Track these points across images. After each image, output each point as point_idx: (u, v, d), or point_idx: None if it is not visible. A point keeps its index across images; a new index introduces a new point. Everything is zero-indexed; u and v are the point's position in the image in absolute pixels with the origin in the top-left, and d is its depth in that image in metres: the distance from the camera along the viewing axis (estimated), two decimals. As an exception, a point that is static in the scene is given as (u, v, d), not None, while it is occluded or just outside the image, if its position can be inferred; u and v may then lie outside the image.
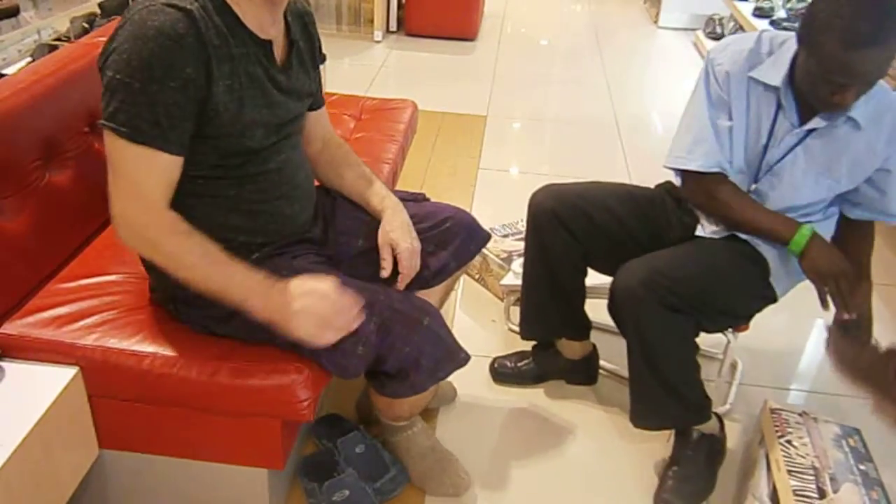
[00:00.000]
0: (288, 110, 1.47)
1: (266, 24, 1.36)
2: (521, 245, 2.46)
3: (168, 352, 1.45)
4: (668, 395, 1.72)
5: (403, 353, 1.43)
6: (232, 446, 1.54)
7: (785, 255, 1.70)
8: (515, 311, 2.35)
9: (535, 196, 1.91)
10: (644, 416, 1.79)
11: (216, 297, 1.32)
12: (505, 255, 2.46)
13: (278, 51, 1.41)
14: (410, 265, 1.58)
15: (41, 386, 1.40)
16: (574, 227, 1.84)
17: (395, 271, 1.58)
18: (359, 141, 2.42)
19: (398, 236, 1.58)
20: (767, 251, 1.71)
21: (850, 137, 1.60)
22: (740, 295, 1.74)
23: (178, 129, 1.27)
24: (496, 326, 2.35)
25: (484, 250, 2.43)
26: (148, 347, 1.45)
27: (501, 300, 2.41)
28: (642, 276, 1.63)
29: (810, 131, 1.62)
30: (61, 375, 1.42)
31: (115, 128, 1.24)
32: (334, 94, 2.79)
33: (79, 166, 1.72)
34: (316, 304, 1.31)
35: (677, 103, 4.58)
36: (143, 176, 1.27)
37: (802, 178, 1.66)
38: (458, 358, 1.52)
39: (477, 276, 2.56)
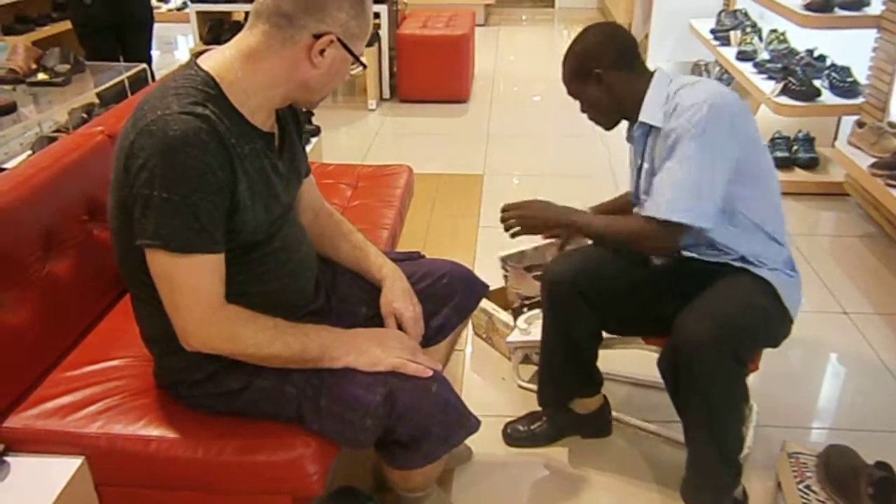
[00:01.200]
0: (290, 195, 1.51)
1: (267, 117, 1.39)
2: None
3: (173, 434, 1.44)
4: (724, 462, 1.69)
5: (413, 422, 1.41)
6: (243, 527, 1.51)
7: (784, 277, 1.72)
8: (524, 369, 2.34)
9: (551, 269, 1.90)
10: (700, 490, 1.74)
11: (293, 364, 1.38)
12: (510, 311, 2.44)
13: (273, 129, 1.44)
14: (416, 332, 1.59)
15: (47, 479, 1.39)
16: (592, 296, 1.83)
17: None
18: (356, 209, 2.45)
19: (401, 305, 1.60)
20: (769, 273, 1.70)
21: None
22: (775, 325, 1.72)
23: (220, 229, 1.29)
24: (506, 384, 2.33)
25: (490, 310, 2.43)
26: (153, 431, 1.44)
27: (509, 359, 2.39)
28: (711, 328, 1.55)
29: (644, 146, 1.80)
30: (67, 466, 1.41)
31: (163, 245, 1.25)
32: (330, 165, 2.84)
33: (79, 255, 1.74)
34: (399, 336, 1.49)
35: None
36: (202, 281, 1.29)
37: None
38: (468, 424, 1.50)
39: (484, 336, 2.55)
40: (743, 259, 1.71)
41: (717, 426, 1.65)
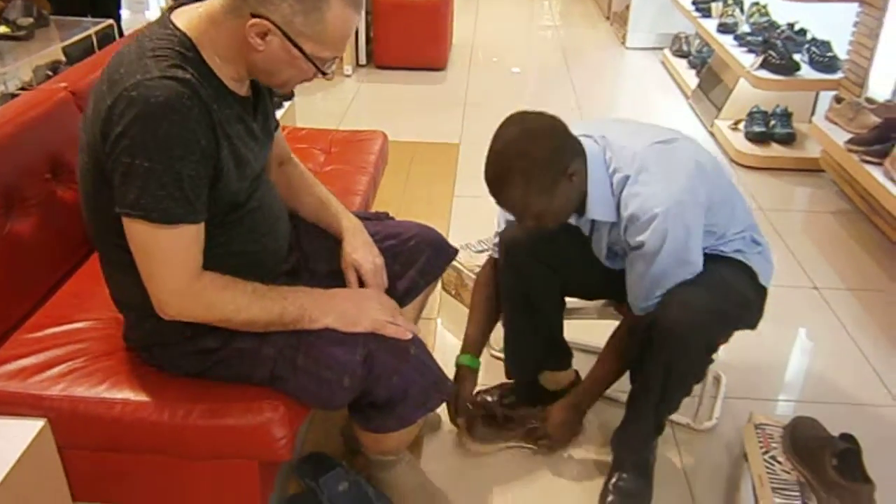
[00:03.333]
0: (264, 156, 1.48)
1: (241, 83, 1.35)
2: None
3: (138, 397, 1.41)
4: (658, 427, 1.75)
5: (391, 383, 1.41)
6: (209, 491, 1.50)
7: (756, 255, 1.72)
8: (494, 336, 2.32)
9: (507, 233, 1.86)
10: (630, 444, 1.78)
11: (273, 328, 1.36)
12: (479, 269, 2.44)
13: (249, 93, 1.40)
14: (377, 283, 1.58)
15: (8, 440, 1.36)
16: (551, 259, 1.82)
17: None
18: (329, 174, 2.41)
19: (360, 256, 1.59)
20: (749, 258, 1.71)
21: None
22: (754, 311, 1.74)
23: (202, 198, 1.26)
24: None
25: (458, 265, 2.45)
26: (117, 394, 1.42)
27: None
28: (694, 321, 1.55)
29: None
30: (28, 429, 1.38)
31: (144, 215, 1.21)
32: (304, 129, 2.79)
33: (42, 214, 1.69)
34: (379, 297, 1.46)
35: (647, 119, 4.61)
36: (181, 251, 1.27)
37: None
38: (445, 388, 1.50)
39: (453, 293, 2.54)
40: (718, 239, 1.70)
41: (667, 401, 1.69)
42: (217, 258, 1.32)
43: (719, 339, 1.67)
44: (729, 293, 1.63)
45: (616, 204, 1.60)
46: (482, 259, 2.50)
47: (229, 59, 1.29)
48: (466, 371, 1.89)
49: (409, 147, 3.79)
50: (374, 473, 1.72)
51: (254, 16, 1.22)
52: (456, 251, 1.78)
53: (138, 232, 1.24)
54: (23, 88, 2.96)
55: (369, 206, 2.39)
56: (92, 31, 3.42)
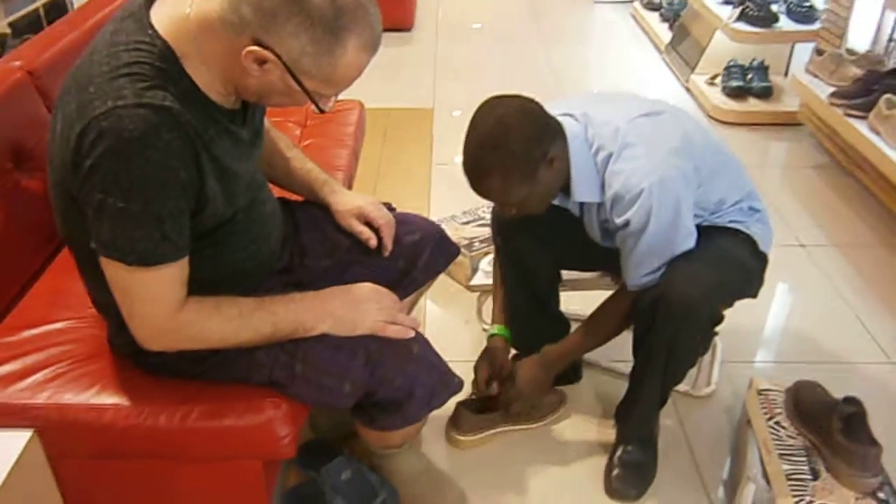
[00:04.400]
0: (256, 158, 1.37)
1: (228, 95, 1.21)
2: (483, 231, 2.42)
3: (130, 401, 1.34)
4: (662, 401, 1.72)
5: (395, 384, 1.35)
6: (212, 494, 1.45)
7: (760, 217, 1.70)
8: (487, 311, 2.28)
9: (497, 208, 1.82)
10: (636, 418, 1.76)
11: (270, 342, 1.28)
12: (466, 241, 2.41)
13: (237, 103, 1.27)
14: (391, 234, 1.55)
15: (-6, 455, 1.28)
16: (544, 232, 1.77)
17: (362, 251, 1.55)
18: (307, 149, 2.31)
19: (365, 203, 1.54)
20: (748, 226, 1.68)
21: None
22: (756, 280, 1.72)
23: (184, 232, 1.16)
24: (470, 328, 2.28)
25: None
26: (107, 399, 1.34)
27: (467, 287, 2.36)
28: (701, 295, 1.51)
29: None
30: (15, 441, 1.30)
31: (119, 257, 1.11)
32: (277, 101, 2.67)
33: (6, 207, 1.59)
34: (377, 296, 1.35)
35: (620, 76, 4.60)
36: (162, 289, 1.17)
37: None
38: (452, 384, 1.45)
39: (443, 269, 2.50)
40: (713, 212, 1.66)
41: (671, 374, 1.66)
42: (202, 271, 1.23)
43: (722, 310, 1.64)
44: (730, 265, 1.60)
45: (601, 183, 1.55)
46: (468, 231, 2.46)
47: (218, 72, 1.15)
48: (499, 339, 1.88)
49: (382, 114, 3.69)
50: (376, 460, 1.68)
51: (255, 42, 1.07)
52: (458, 250, 1.73)
53: (115, 272, 1.15)
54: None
55: (352, 182, 2.31)
56: (39, 3, 3.24)
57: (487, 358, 1.86)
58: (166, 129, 1.07)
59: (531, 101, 1.52)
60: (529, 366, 1.79)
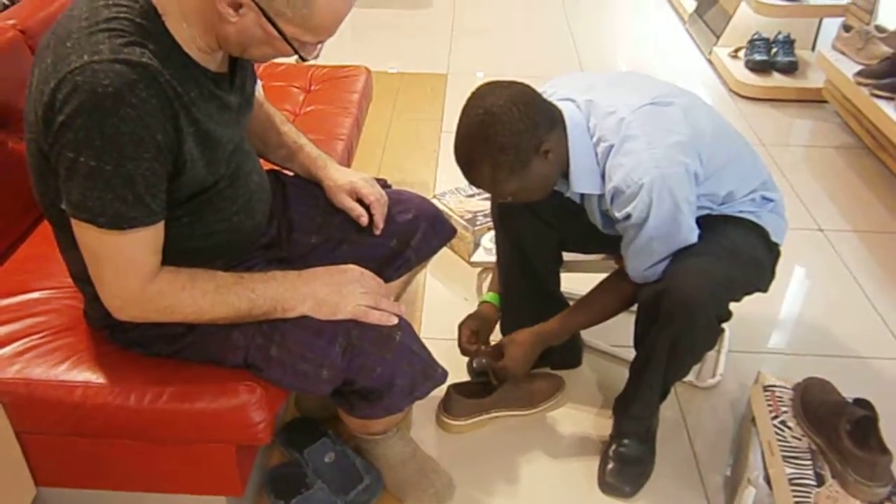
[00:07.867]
0: (243, 125, 1.31)
1: (213, 57, 1.17)
2: (487, 205, 2.33)
3: (101, 379, 1.29)
4: (663, 395, 1.66)
5: (375, 374, 1.29)
6: (184, 476, 1.40)
7: (774, 207, 1.63)
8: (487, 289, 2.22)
9: None
10: (634, 413, 1.69)
11: (242, 321, 1.23)
12: (470, 215, 2.34)
13: (224, 65, 1.22)
14: (382, 214, 1.51)
15: (-42, 429, 1.23)
16: (545, 213, 1.70)
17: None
18: (309, 116, 2.24)
19: (358, 180, 1.50)
20: (760, 216, 1.60)
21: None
22: (767, 275, 1.65)
23: (159, 196, 1.10)
24: (470, 305, 2.20)
25: (448, 211, 2.34)
26: (77, 376, 1.29)
27: (468, 262, 2.29)
28: (708, 293, 1.45)
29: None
30: (-20, 415, 1.26)
31: (90, 219, 1.06)
32: (281, 65, 2.59)
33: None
34: (362, 279, 1.29)
35: (643, 47, 4.46)
36: (135, 255, 1.12)
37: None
38: (435, 375, 1.39)
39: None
40: (723, 203, 1.58)
41: (674, 370, 1.60)
42: (180, 241, 1.18)
43: (729, 305, 1.56)
44: (740, 258, 1.52)
45: (602, 175, 1.48)
46: (473, 204, 2.39)
47: (198, 26, 1.11)
48: (489, 306, 1.87)
49: (393, 79, 3.60)
50: (361, 444, 1.63)
51: None
52: (454, 231, 1.66)
53: (85, 234, 1.09)
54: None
55: (353, 153, 2.23)
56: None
57: (473, 318, 1.85)
58: (143, 85, 1.03)
59: (525, 88, 1.44)
60: (519, 339, 1.72)
